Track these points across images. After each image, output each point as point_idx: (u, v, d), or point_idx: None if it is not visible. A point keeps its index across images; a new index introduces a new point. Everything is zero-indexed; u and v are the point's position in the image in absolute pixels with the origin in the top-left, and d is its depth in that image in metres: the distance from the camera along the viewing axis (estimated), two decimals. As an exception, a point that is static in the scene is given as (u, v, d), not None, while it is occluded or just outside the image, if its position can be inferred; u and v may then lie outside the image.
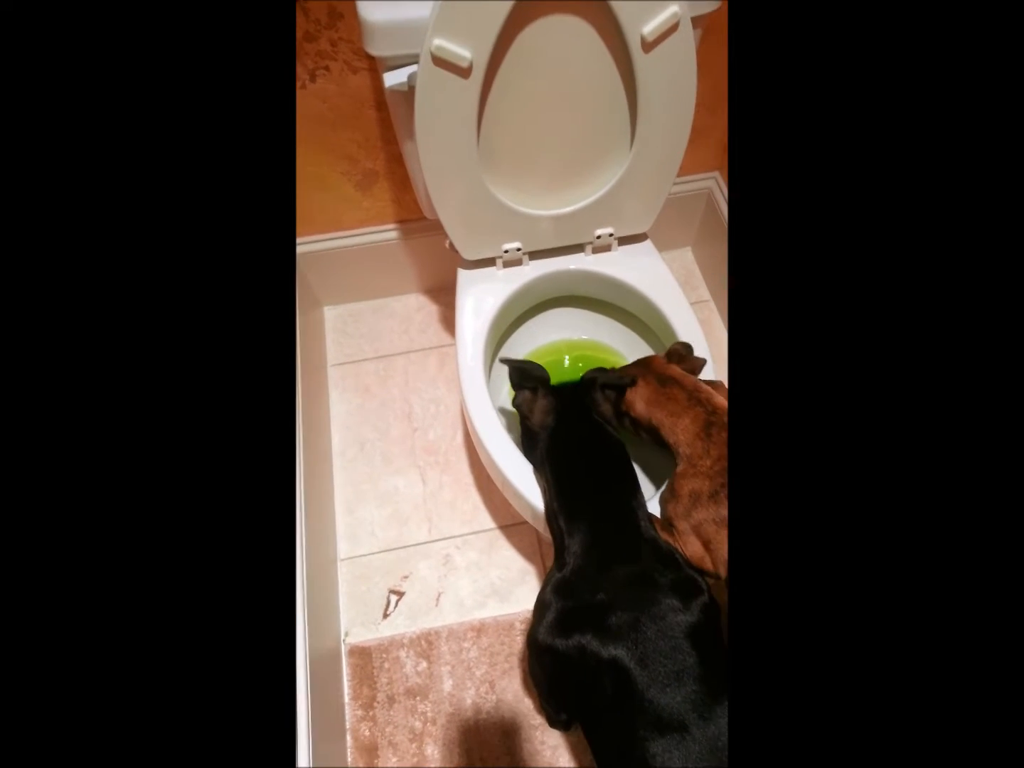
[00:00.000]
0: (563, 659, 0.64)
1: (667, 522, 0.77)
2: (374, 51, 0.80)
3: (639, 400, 0.82)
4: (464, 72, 0.75)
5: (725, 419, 0.77)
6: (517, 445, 0.88)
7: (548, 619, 0.66)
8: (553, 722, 1.00)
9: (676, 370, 0.84)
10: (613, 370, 0.87)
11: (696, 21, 0.79)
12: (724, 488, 0.73)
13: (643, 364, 0.87)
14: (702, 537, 0.73)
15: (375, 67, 1.01)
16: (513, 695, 1.05)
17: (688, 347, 0.89)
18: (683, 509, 0.74)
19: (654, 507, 0.80)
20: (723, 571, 0.73)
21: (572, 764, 1.00)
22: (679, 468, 0.78)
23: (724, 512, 0.72)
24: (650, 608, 0.62)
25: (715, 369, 0.92)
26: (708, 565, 0.73)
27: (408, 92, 0.80)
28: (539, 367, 0.85)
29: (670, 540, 0.76)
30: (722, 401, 0.79)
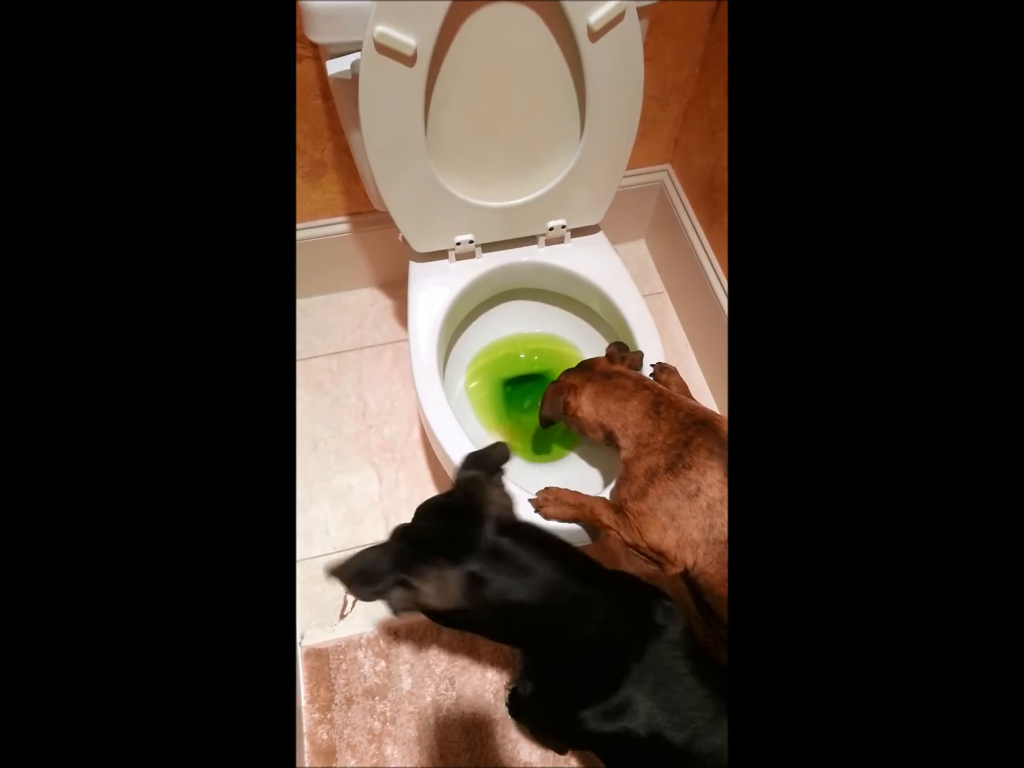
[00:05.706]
0: (603, 739, 0.70)
1: (620, 506, 0.77)
2: (316, 38, 0.78)
3: (585, 400, 0.84)
4: (408, 60, 0.73)
5: (671, 398, 0.79)
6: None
7: (593, 711, 0.69)
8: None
9: (620, 367, 0.87)
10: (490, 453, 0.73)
11: (641, 12, 0.79)
12: (682, 459, 0.73)
13: (586, 367, 0.89)
14: (666, 514, 0.73)
15: (319, 55, 0.98)
16: (473, 690, 1.05)
17: (623, 345, 0.92)
18: (638, 489, 0.75)
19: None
20: (689, 555, 0.73)
21: (533, 757, 1.00)
22: (628, 452, 0.78)
23: (685, 482, 0.72)
24: (673, 683, 0.68)
25: (666, 360, 0.92)
26: (670, 544, 0.73)
27: (352, 80, 0.78)
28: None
29: (623, 530, 0.76)
30: (663, 387, 0.83)
